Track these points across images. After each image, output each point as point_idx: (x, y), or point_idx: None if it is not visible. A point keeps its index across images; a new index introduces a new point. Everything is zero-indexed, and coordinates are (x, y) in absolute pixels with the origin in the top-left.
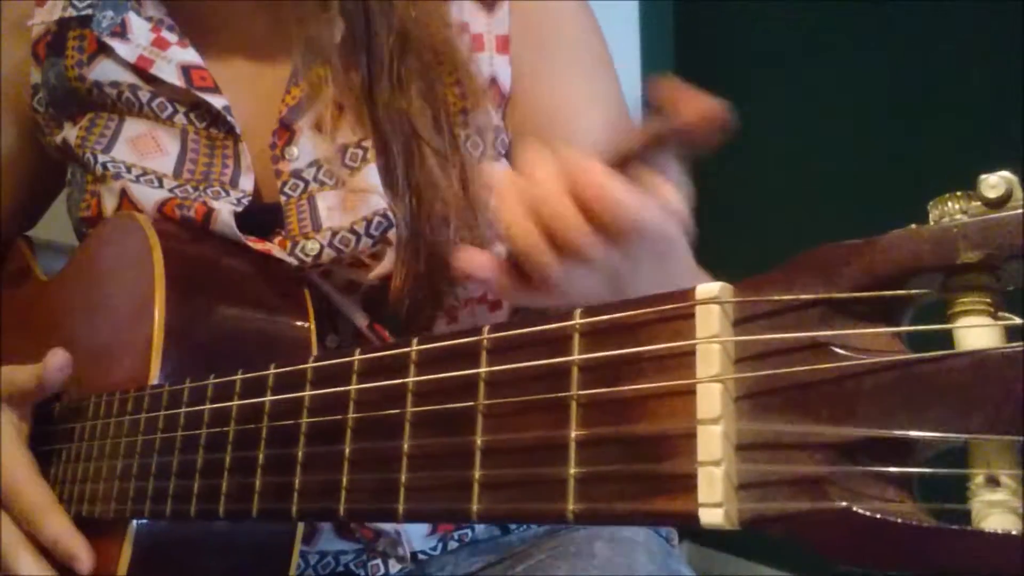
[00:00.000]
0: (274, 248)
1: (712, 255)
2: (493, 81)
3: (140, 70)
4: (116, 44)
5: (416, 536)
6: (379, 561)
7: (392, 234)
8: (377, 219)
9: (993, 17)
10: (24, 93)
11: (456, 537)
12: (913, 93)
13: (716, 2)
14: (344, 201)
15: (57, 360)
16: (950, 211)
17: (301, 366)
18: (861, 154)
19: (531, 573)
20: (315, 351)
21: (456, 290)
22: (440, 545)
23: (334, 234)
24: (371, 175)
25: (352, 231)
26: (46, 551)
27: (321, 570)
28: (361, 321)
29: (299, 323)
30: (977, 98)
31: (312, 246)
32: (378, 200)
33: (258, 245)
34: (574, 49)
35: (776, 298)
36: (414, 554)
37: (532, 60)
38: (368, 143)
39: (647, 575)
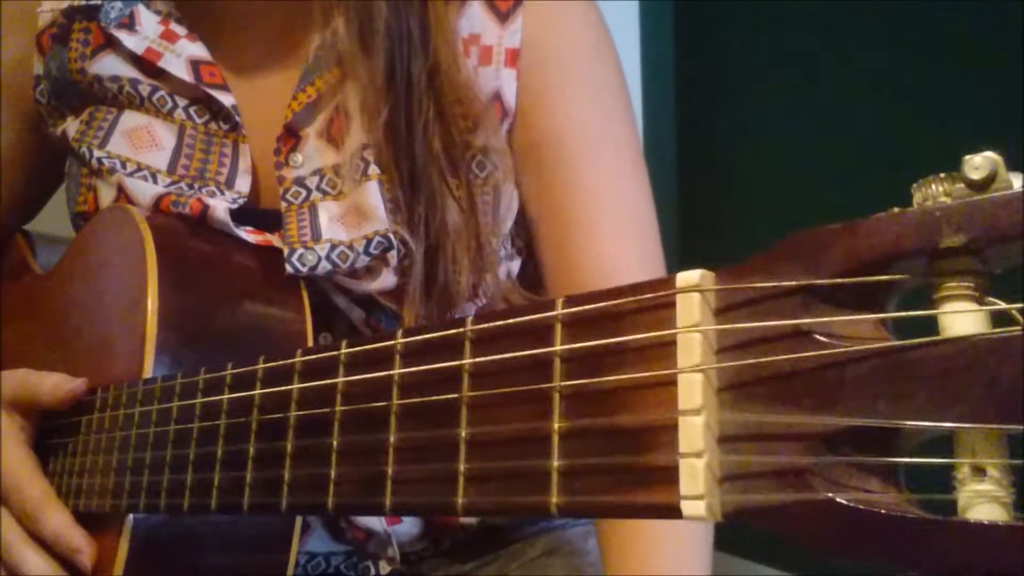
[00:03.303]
0: (274, 240)
1: (712, 252)
2: (497, 95)
3: (146, 63)
4: (123, 36)
5: (406, 537)
6: (369, 563)
7: (391, 255)
8: (378, 239)
9: (995, 18)
10: (27, 84)
11: (448, 538)
12: (915, 92)
13: (716, 2)
14: (346, 214)
15: (81, 391)
16: (934, 193)
17: (290, 360)
18: (861, 153)
19: (527, 572)
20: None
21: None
22: (432, 546)
23: (333, 247)
24: (372, 192)
25: (351, 248)
26: (48, 547)
27: (311, 571)
28: (357, 316)
29: (295, 318)
30: (979, 98)
31: (310, 257)
32: (380, 220)
33: (256, 237)
34: (587, 76)
35: (757, 285)
36: (405, 555)
37: (542, 80)
38: (369, 154)
39: None
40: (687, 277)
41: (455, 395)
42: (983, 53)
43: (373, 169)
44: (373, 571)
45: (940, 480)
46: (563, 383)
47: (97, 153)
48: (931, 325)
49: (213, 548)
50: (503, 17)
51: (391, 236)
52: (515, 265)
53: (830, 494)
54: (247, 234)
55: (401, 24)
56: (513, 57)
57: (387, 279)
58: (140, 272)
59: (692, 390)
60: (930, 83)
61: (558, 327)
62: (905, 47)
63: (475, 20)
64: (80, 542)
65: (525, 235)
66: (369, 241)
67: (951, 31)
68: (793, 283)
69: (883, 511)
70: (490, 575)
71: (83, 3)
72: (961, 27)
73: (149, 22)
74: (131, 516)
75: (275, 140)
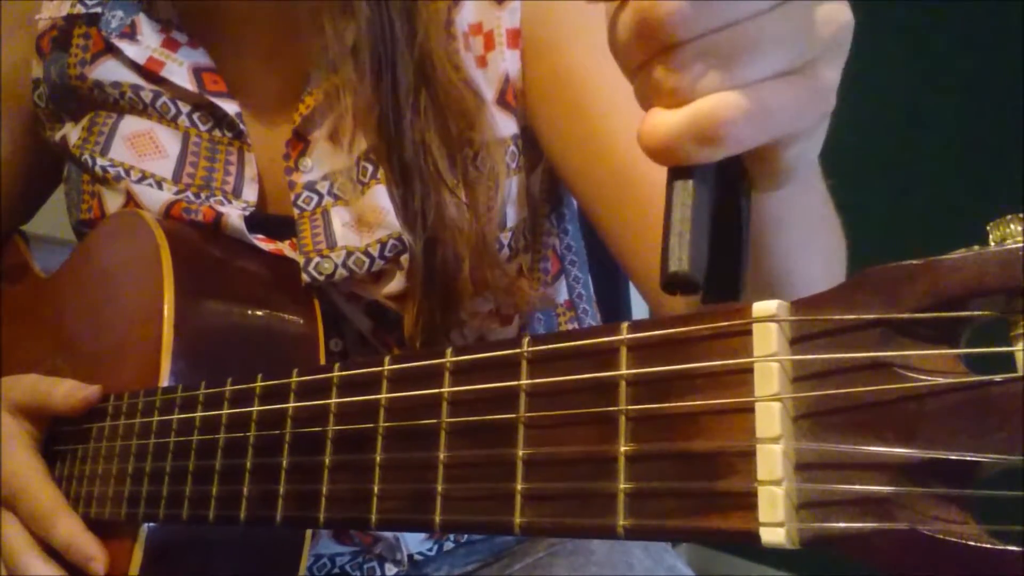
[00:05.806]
0: (285, 248)
1: None
2: (506, 77)
3: (148, 72)
4: (125, 46)
5: (413, 540)
6: (375, 563)
7: (404, 258)
8: (392, 242)
9: (996, 18)
10: (25, 86)
11: (452, 538)
12: (915, 91)
13: None
14: (358, 220)
15: (95, 397)
16: (1012, 232)
17: (328, 374)
18: (860, 153)
19: (530, 572)
20: (322, 354)
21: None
22: (436, 547)
23: (348, 254)
24: (381, 196)
25: (366, 253)
26: (56, 554)
27: (317, 572)
28: (365, 326)
29: (307, 326)
30: (981, 98)
31: (326, 265)
32: (391, 223)
33: (268, 245)
34: (590, 27)
35: (837, 317)
36: (410, 556)
37: (548, 50)
38: (373, 156)
39: (644, 570)
40: (764, 307)
41: (512, 415)
42: (987, 52)
43: (382, 173)
44: (379, 572)
45: (1017, 512)
46: (629, 407)
47: (100, 161)
48: (1007, 360)
49: (226, 554)
50: None
51: (405, 238)
52: (527, 259)
53: (911, 524)
54: (260, 242)
55: (384, 24)
56: (515, 37)
57: (399, 282)
58: (156, 278)
59: (770, 418)
60: (932, 80)
61: (623, 351)
62: (907, 44)
63: (473, 10)
64: (93, 549)
65: (534, 229)
66: (383, 245)
67: (956, 29)
68: (872, 316)
69: (965, 541)
70: (493, 575)
71: (83, 11)
72: (966, 23)
73: (150, 31)
74: (146, 524)
75: (282, 145)
